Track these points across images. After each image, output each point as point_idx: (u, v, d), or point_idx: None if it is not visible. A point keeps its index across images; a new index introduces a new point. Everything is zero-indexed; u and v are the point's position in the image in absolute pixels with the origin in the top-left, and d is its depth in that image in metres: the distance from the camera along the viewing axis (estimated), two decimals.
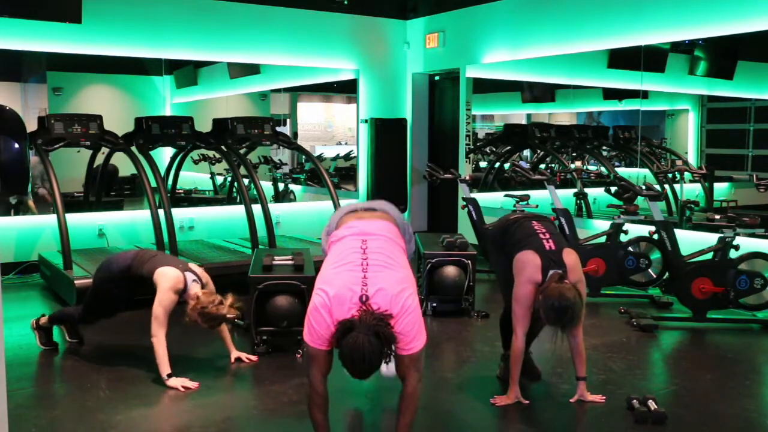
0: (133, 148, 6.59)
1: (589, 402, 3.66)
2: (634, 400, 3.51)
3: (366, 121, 8.84)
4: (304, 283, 4.38)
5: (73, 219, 6.27)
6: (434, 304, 5.35)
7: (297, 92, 9.49)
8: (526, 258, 3.59)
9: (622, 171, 7.06)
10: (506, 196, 6.91)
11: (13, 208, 6.97)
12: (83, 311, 4.38)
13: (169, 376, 3.86)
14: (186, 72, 8.13)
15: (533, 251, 3.58)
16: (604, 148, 7.68)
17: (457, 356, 4.56)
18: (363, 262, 2.81)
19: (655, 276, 5.69)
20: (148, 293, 4.00)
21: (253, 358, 4.31)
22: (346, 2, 7.97)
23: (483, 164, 8.94)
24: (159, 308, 3.90)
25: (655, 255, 5.66)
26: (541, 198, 6.57)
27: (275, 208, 7.31)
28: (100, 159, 7.26)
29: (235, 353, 4.30)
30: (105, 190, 7.59)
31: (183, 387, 3.82)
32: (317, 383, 2.79)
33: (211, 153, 8.03)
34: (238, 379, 4.10)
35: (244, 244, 6.80)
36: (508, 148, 8.62)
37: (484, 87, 8.26)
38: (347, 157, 9.50)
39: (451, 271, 5.38)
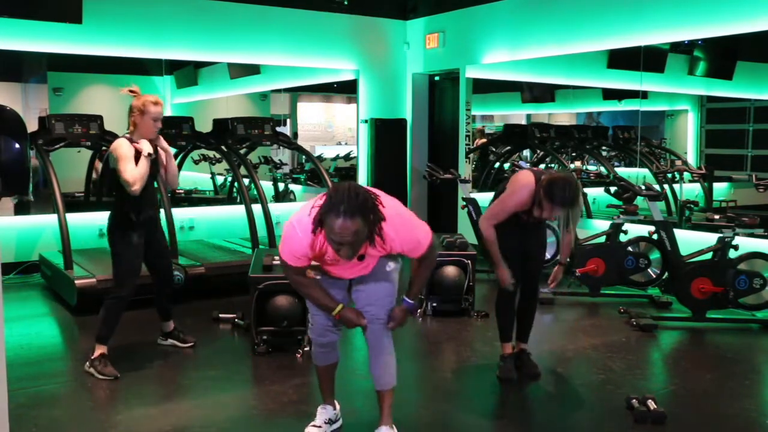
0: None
1: (554, 280, 3.98)
2: (634, 400, 3.52)
3: (366, 121, 8.85)
4: None
5: (74, 219, 6.28)
6: (434, 304, 5.36)
7: (297, 92, 9.50)
8: (524, 180, 3.74)
9: (622, 171, 7.06)
10: None
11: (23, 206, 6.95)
12: (118, 284, 4.17)
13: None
14: (186, 72, 8.14)
15: (532, 173, 3.75)
16: (604, 148, 7.68)
17: (457, 356, 4.57)
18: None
19: (654, 276, 5.69)
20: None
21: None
22: (346, 2, 7.98)
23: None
24: (124, 172, 3.99)
25: (655, 255, 5.67)
26: None
27: (275, 208, 7.31)
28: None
29: None
30: (105, 189, 7.59)
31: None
32: (297, 279, 2.94)
33: (211, 153, 8.04)
34: (238, 379, 4.10)
35: (245, 244, 6.80)
36: (508, 148, 8.63)
37: (484, 87, 8.26)
38: (347, 157, 9.50)
39: (451, 271, 5.39)
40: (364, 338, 3.05)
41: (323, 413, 3.26)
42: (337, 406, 3.33)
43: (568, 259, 4.11)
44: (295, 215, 2.86)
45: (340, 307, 2.94)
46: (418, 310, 2.77)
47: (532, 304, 4.19)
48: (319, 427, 3.20)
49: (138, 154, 4.07)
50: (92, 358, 4.09)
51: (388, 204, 2.76)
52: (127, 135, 4.17)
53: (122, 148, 4.06)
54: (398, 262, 3.04)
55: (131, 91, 4.21)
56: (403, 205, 2.93)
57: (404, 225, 2.81)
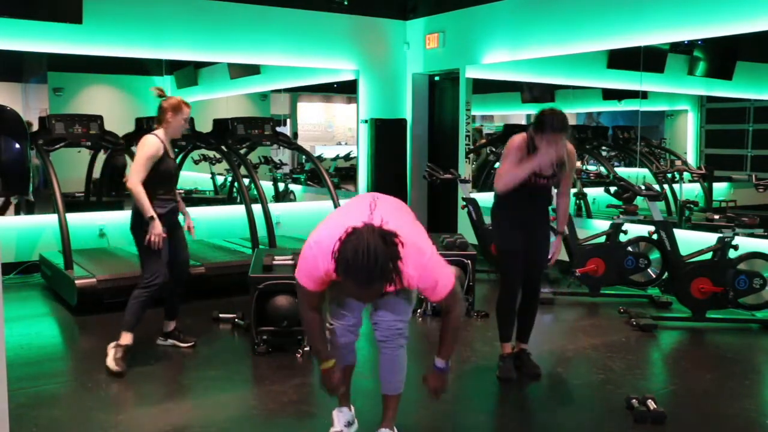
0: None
1: (554, 252, 4.04)
2: (634, 400, 3.52)
3: (366, 121, 8.85)
4: None
5: (74, 219, 6.28)
6: (434, 304, 5.35)
7: (297, 92, 9.50)
8: (516, 136, 3.86)
9: (622, 171, 7.06)
10: None
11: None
12: (149, 276, 4.23)
13: (152, 218, 4.09)
14: (186, 72, 8.14)
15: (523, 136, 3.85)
16: (604, 148, 7.68)
17: (457, 356, 4.56)
18: (371, 204, 2.78)
19: (654, 276, 5.69)
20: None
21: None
22: (346, 2, 7.98)
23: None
24: (136, 165, 4.13)
25: (655, 255, 5.67)
26: None
27: (275, 208, 7.32)
28: (101, 159, 7.28)
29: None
30: (114, 186, 7.62)
31: (156, 235, 4.10)
32: (308, 311, 2.83)
33: (211, 153, 8.04)
34: (238, 379, 4.10)
35: (245, 244, 6.80)
36: None
37: (484, 87, 8.26)
38: (347, 157, 9.50)
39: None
40: (376, 340, 2.99)
41: (341, 416, 3.16)
42: (352, 408, 3.25)
43: (566, 230, 4.11)
44: (315, 234, 2.72)
45: (331, 364, 2.88)
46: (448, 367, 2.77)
47: (534, 304, 4.19)
48: (340, 430, 3.13)
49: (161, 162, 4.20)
50: (118, 343, 4.15)
51: (409, 240, 2.58)
52: (156, 132, 4.25)
53: (149, 147, 4.17)
54: None
55: (160, 92, 4.39)
56: (426, 235, 2.83)
57: (424, 264, 2.66)
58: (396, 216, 2.78)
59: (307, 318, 2.86)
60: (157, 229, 4.14)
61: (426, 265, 2.65)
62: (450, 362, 2.93)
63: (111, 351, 4.13)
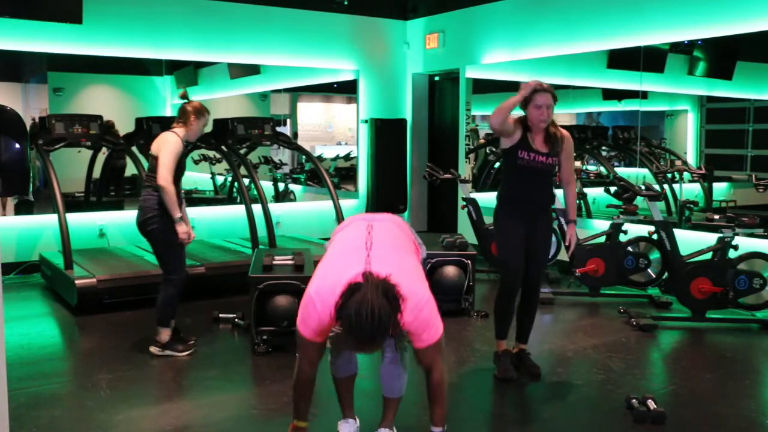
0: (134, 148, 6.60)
1: (570, 241, 4.03)
2: (634, 400, 3.52)
3: (366, 121, 8.85)
4: (304, 283, 4.37)
5: (74, 219, 6.28)
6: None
7: (297, 92, 9.50)
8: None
9: (622, 171, 7.06)
10: None
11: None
12: (174, 270, 4.35)
13: (180, 219, 4.24)
14: (186, 72, 8.14)
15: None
16: (604, 148, 7.67)
17: (457, 356, 4.56)
18: (367, 242, 2.72)
19: (654, 276, 5.69)
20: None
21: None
22: (346, 2, 7.97)
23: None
24: (165, 158, 4.22)
25: (655, 255, 5.67)
26: None
27: (275, 208, 7.32)
28: (101, 159, 7.29)
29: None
30: (114, 187, 7.63)
31: (184, 233, 4.25)
32: (305, 367, 2.75)
33: (211, 153, 8.04)
34: (238, 379, 4.10)
35: (245, 244, 6.80)
36: None
37: (484, 87, 8.26)
38: (347, 157, 9.50)
39: (451, 271, 5.39)
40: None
41: (346, 427, 3.13)
42: (358, 420, 3.18)
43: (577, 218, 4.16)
44: (314, 284, 2.68)
45: (304, 425, 2.87)
46: None
47: (533, 303, 4.18)
48: None
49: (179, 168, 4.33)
50: (163, 341, 4.35)
51: (409, 288, 2.55)
52: (176, 131, 4.35)
53: (174, 145, 4.28)
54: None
55: (184, 94, 4.57)
56: (422, 270, 2.83)
57: (421, 308, 2.61)
58: (394, 249, 2.78)
59: (302, 375, 2.78)
60: (184, 227, 4.29)
61: (422, 309, 2.61)
62: (446, 427, 2.84)
63: (165, 351, 4.34)
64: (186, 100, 4.48)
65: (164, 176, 4.20)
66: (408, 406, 3.54)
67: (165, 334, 4.39)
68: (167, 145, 4.28)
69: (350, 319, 2.37)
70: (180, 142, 4.31)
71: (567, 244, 4.10)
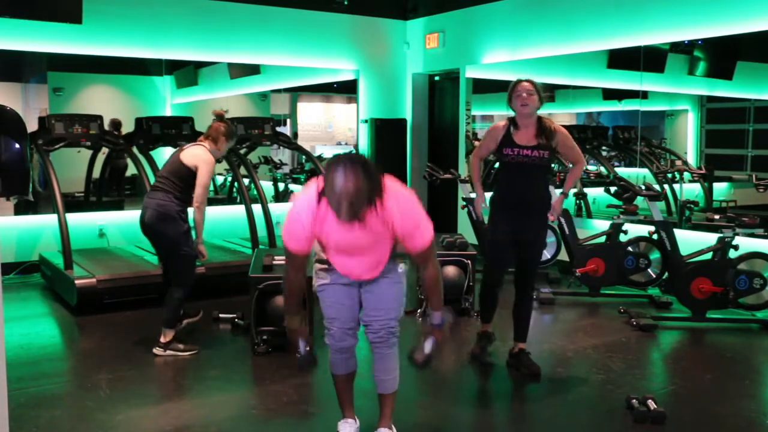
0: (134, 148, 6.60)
1: (553, 211, 4.08)
2: (634, 400, 3.52)
3: (366, 121, 8.85)
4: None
5: (74, 219, 6.28)
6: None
7: (297, 92, 9.50)
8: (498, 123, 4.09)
9: (622, 171, 7.06)
10: None
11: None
12: (187, 277, 4.45)
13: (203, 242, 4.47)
14: (186, 72, 8.14)
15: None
16: (604, 148, 7.67)
17: (457, 356, 4.56)
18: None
19: (654, 276, 5.69)
20: None
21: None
22: (346, 2, 7.97)
23: None
24: (204, 177, 4.37)
25: (655, 255, 5.67)
26: None
27: (275, 208, 7.31)
28: (101, 159, 7.29)
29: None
30: (115, 187, 7.65)
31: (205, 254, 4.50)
32: (291, 275, 2.88)
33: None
34: (238, 379, 4.10)
35: (245, 244, 6.80)
36: None
37: (484, 87, 8.26)
38: None
39: (451, 271, 5.39)
40: (368, 341, 3.01)
41: (346, 428, 3.12)
42: (358, 421, 3.17)
43: (571, 192, 4.24)
44: (293, 207, 2.83)
45: (296, 322, 2.94)
46: (448, 318, 2.76)
47: (526, 301, 4.18)
48: None
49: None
50: (165, 341, 4.40)
51: (394, 182, 2.76)
52: (210, 150, 4.49)
53: (212, 165, 4.46)
54: (406, 264, 2.99)
55: (220, 114, 4.65)
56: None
57: (406, 202, 2.76)
58: None
59: (290, 278, 2.89)
60: (205, 248, 4.54)
61: (409, 205, 2.74)
62: (444, 316, 2.96)
63: (167, 352, 4.39)
64: (220, 118, 4.61)
65: (202, 197, 4.36)
66: (408, 406, 3.54)
67: (169, 335, 4.42)
68: (207, 165, 4.39)
69: (331, 160, 2.57)
70: (213, 160, 4.48)
71: (549, 214, 4.13)
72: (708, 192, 6.39)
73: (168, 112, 7.91)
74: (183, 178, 4.35)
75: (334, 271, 2.95)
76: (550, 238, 6.71)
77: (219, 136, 4.51)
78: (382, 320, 2.93)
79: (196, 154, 4.41)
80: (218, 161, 4.76)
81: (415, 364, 2.96)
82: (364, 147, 8.90)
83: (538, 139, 3.94)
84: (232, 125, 4.63)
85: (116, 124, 7.31)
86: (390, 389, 3.04)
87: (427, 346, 2.93)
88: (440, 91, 9.07)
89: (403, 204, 2.73)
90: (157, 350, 4.40)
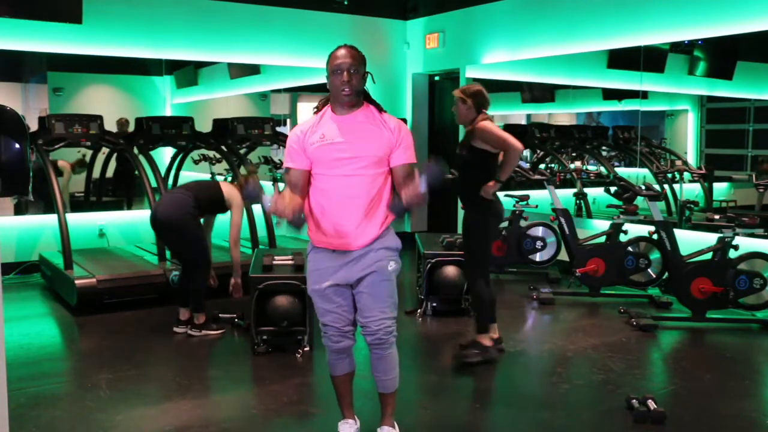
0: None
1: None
2: (634, 400, 3.52)
3: None
4: (304, 283, 4.38)
5: (74, 219, 6.28)
6: (434, 304, 5.35)
7: (297, 92, 9.49)
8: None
9: (622, 171, 7.06)
10: (506, 196, 6.92)
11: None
12: (203, 261, 4.77)
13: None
14: (186, 72, 8.14)
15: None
16: (604, 148, 7.68)
17: (456, 356, 4.56)
18: None
19: (654, 276, 5.69)
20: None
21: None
22: (346, 2, 7.97)
23: None
24: (239, 218, 4.88)
25: (655, 255, 5.67)
26: (541, 198, 6.58)
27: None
28: (101, 159, 7.29)
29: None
30: (124, 186, 7.70)
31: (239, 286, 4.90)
32: (288, 191, 2.91)
33: (211, 153, 8.03)
34: (238, 379, 4.10)
35: (245, 244, 6.79)
36: None
37: (484, 87, 8.23)
38: None
39: (451, 271, 5.39)
40: (367, 343, 2.97)
41: (347, 428, 3.12)
42: (358, 421, 3.17)
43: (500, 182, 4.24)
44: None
45: (285, 199, 2.83)
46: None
47: (470, 294, 4.55)
48: None
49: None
50: (199, 323, 4.82)
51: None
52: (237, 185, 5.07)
53: (242, 209, 4.97)
54: (398, 263, 2.96)
55: (252, 171, 5.48)
56: None
57: (404, 132, 2.97)
58: None
59: (287, 193, 2.89)
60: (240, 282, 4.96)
61: (404, 127, 2.97)
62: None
63: (202, 332, 4.79)
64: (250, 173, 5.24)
65: (237, 236, 4.90)
66: (408, 406, 3.54)
67: (202, 318, 4.84)
68: (239, 209, 4.90)
69: (333, 55, 2.96)
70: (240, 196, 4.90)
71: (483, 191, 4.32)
72: (708, 192, 6.39)
73: (168, 112, 7.91)
74: (213, 201, 4.81)
75: (322, 254, 2.91)
76: (550, 238, 6.71)
77: (249, 174, 5.24)
78: (378, 320, 2.89)
79: (234, 195, 4.87)
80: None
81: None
82: None
83: (465, 139, 4.33)
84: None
85: (123, 123, 7.33)
86: (390, 389, 3.04)
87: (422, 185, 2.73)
88: (440, 91, 9.07)
89: (401, 129, 2.95)
90: (192, 332, 4.81)
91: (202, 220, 4.91)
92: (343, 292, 2.92)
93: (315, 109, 3.00)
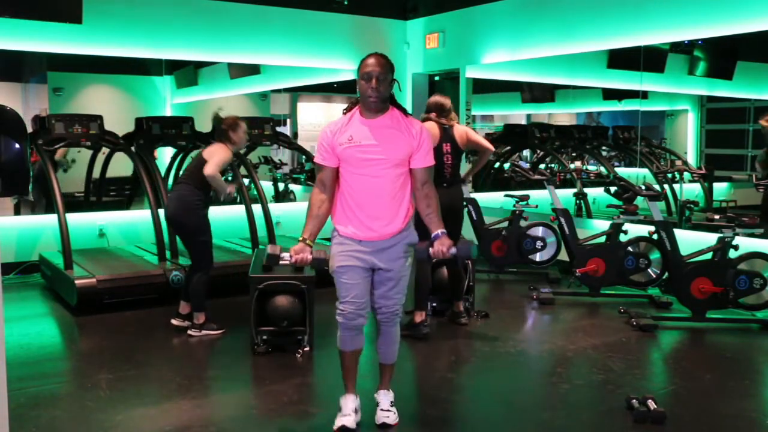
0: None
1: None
2: (634, 400, 3.51)
3: None
4: (304, 283, 4.39)
5: (74, 219, 6.28)
6: (434, 304, 5.35)
7: (297, 92, 9.50)
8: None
9: (622, 171, 7.07)
10: (506, 196, 6.92)
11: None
12: (204, 263, 4.81)
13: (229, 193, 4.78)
14: (186, 72, 8.14)
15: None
16: (604, 148, 7.68)
17: (457, 356, 4.57)
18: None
19: (654, 276, 5.68)
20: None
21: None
22: (346, 2, 7.97)
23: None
24: (209, 170, 4.61)
25: (655, 255, 5.66)
26: (540, 198, 6.58)
27: (275, 208, 7.31)
28: (101, 159, 7.29)
29: None
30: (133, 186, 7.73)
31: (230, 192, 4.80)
32: (318, 189, 3.19)
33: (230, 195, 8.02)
34: (238, 379, 4.10)
35: (245, 244, 6.80)
36: (508, 148, 8.63)
37: (484, 87, 8.26)
38: None
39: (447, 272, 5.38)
40: (376, 320, 3.31)
41: (348, 403, 3.32)
42: (358, 396, 3.38)
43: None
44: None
45: (304, 239, 3.15)
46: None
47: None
48: (349, 415, 3.29)
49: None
50: (199, 323, 4.80)
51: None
52: (224, 143, 4.80)
53: (224, 152, 4.74)
54: (412, 255, 3.24)
55: (217, 116, 4.99)
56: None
57: (425, 134, 3.19)
58: None
59: (314, 195, 3.20)
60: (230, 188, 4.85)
61: (425, 130, 3.20)
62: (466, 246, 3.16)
63: (201, 332, 4.77)
64: (218, 118, 4.94)
65: (212, 169, 4.64)
66: (408, 406, 3.54)
67: (201, 317, 4.81)
68: (215, 165, 4.67)
69: (364, 62, 3.20)
70: (230, 154, 4.86)
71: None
72: (708, 192, 6.39)
73: (168, 112, 7.91)
74: (202, 169, 4.65)
75: (351, 242, 3.15)
76: (550, 238, 6.71)
77: (225, 131, 4.80)
78: (391, 306, 3.26)
79: (211, 151, 4.75)
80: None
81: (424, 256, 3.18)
82: None
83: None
84: (229, 115, 4.92)
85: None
86: (390, 359, 3.38)
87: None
88: (440, 91, 9.02)
89: (423, 131, 3.18)
90: (192, 332, 4.79)
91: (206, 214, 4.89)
92: (367, 273, 3.19)
93: (345, 110, 3.23)
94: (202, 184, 4.67)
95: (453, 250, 3.06)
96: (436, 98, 4.96)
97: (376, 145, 3.09)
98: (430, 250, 3.09)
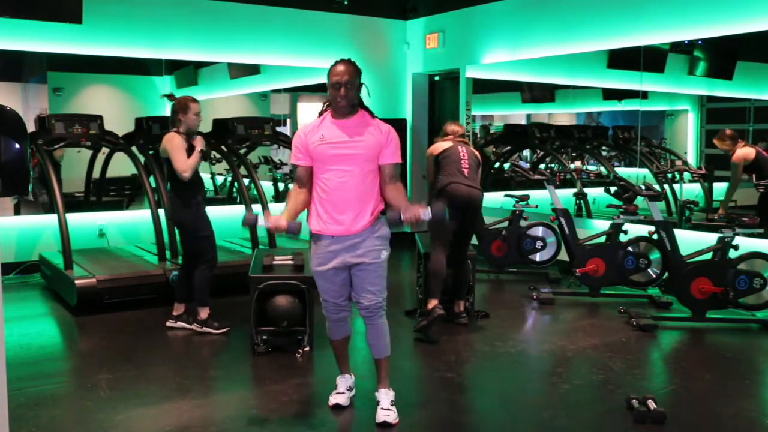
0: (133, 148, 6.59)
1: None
2: (634, 400, 3.52)
3: None
4: (304, 283, 4.39)
5: (74, 219, 6.28)
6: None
7: (297, 92, 9.49)
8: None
9: (622, 171, 7.06)
10: (506, 196, 6.92)
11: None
12: (209, 256, 4.82)
13: (201, 151, 4.72)
14: (186, 72, 8.14)
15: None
16: (604, 148, 7.68)
17: (457, 356, 4.56)
18: None
19: (654, 276, 5.69)
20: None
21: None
22: (346, 2, 7.97)
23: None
24: (180, 165, 4.60)
25: (655, 255, 5.67)
26: (540, 198, 6.58)
27: (275, 208, 7.30)
28: (100, 159, 7.29)
29: None
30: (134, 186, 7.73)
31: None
32: (296, 187, 3.39)
33: (211, 153, 8.03)
34: (238, 379, 4.10)
35: (245, 244, 6.80)
36: (508, 148, 8.63)
37: (484, 87, 8.26)
38: None
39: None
40: (360, 315, 3.41)
41: (343, 382, 3.62)
42: (353, 375, 3.66)
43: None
44: None
45: (283, 223, 3.26)
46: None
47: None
48: (343, 393, 3.58)
49: (191, 148, 4.71)
50: (202, 319, 4.82)
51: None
52: (175, 130, 4.73)
53: (174, 140, 4.65)
54: (388, 250, 3.37)
55: (169, 96, 4.97)
56: None
57: (391, 134, 3.35)
58: None
59: (293, 191, 3.40)
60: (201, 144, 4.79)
61: (392, 131, 3.37)
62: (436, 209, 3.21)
63: (205, 329, 4.80)
64: (173, 101, 4.91)
65: (181, 165, 4.64)
66: (408, 406, 3.54)
67: (204, 313, 4.84)
68: (171, 142, 4.64)
69: (332, 69, 3.39)
70: (176, 138, 4.71)
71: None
72: (708, 192, 6.39)
73: (168, 112, 7.88)
74: (170, 166, 4.64)
75: (323, 241, 3.32)
76: (550, 238, 6.72)
77: (175, 114, 4.76)
78: (369, 299, 3.37)
79: (165, 149, 4.67)
80: (195, 134, 4.87)
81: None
82: None
83: None
84: (179, 98, 4.91)
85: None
86: (382, 353, 3.47)
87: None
88: (440, 91, 9.07)
89: (390, 133, 3.36)
90: (195, 326, 4.84)
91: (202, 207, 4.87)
92: (342, 273, 3.37)
93: (320, 113, 3.45)
94: (186, 184, 4.68)
95: (427, 212, 3.12)
96: (453, 126, 5.44)
97: (346, 141, 3.27)
98: (402, 216, 3.17)
